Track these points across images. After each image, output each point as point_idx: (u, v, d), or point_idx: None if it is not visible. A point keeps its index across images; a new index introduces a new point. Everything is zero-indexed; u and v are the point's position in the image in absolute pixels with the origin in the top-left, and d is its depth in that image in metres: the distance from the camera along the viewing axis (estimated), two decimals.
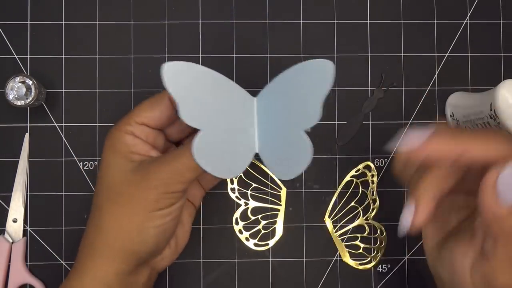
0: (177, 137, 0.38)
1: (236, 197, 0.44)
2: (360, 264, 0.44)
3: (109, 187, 0.35)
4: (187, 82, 0.32)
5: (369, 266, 0.45)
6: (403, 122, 0.45)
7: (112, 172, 0.35)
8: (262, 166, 0.44)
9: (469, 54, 0.46)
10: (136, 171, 0.34)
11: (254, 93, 0.45)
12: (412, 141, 0.29)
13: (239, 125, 0.34)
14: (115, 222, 0.34)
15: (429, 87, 0.46)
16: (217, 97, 0.33)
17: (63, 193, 0.44)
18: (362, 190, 0.45)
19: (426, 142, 0.29)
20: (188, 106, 0.32)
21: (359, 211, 0.45)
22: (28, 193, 0.44)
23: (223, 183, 0.44)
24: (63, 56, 0.45)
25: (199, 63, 0.45)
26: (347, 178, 0.45)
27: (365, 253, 0.45)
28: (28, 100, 0.41)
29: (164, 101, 0.35)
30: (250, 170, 0.44)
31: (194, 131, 0.38)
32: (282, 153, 0.33)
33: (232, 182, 0.44)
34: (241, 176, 0.44)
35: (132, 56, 0.45)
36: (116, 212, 0.34)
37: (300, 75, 0.32)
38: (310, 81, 0.31)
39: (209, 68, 0.33)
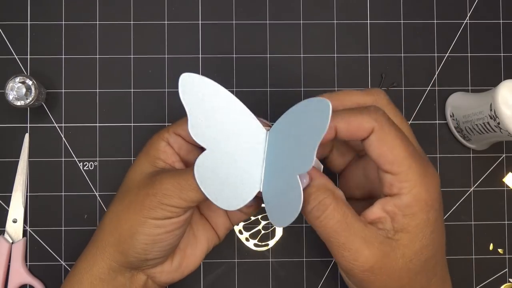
0: None
1: None
2: None
3: (125, 184, 0.35)
4: (201, 96, 0.31)
5: None
6: None
7: (134, 171, 0.35)
8: None
9: (469, 54, 0.46)
10: (151, 176, 0.34)
11: (254, 97, 0.45)
12: None
13: (247, 157, 0.32)
14: (114, 218, 0.34)
15: (429, 87, 0.46)
16: (229, 122, 0.32)
17: (63, 193, 0.44)
18: None
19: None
20: (197, 120, 0.31)
21: None
22: (28, 193, 0.44)
23: None
24: (63, 56, 0.45)
25: (199, 63, 0.45)
26: None
27: None
28: (28, 100, 0.41)
29: None
30: None
31: None
32: (278, 198, 0.31)
33: None
34: None
35: (132, 56, 0.45)
36: (118, 208, 0.34)
37: (300, 115, 0.30)
38: (308, 122, 0.29)
39: (227, 91, 0.32)
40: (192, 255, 0.37)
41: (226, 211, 0.37)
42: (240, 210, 0.33)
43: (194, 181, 0.31)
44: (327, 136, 0.29)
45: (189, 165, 0.36)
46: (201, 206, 0.38)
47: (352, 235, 0.29)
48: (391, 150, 0.29)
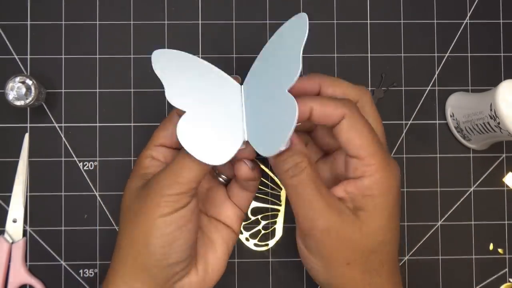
0: None
1: None
2: None
3: (123, 206, 0.36)
4: (173, 67, 0.34)
5: None
6: (403, 122, 0.45)
7: (129, 190, 0.36)
8: (262, 167, 0.44)
9: (469, 54, 0.46)
10: (144, 185, 0.35)
11: None
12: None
13: (226, 112, 0.34)
14: (126, 238, 0.34)
15: (429, 87, 0.46)
16: (202, 83, 0.35)
17: (63, 193, 0.44)
18: None
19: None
20: (173, 88, 0.34)
21: None
22: (28, 193, 0.44)
23: None
24: (63, 56, 0.45)
25: None
26: None
27: None
28: (28, 100, 0.41)
29: (175, 118, 0.35)
30: None
31: None
32: (269, 124, 0.32)
33: None
34: None
35: (132, 56, 0.45)
36: (127, 227, 0.34)
37: (278, 39, 0.34)
38: (288, 39, 0.32)
39: (196, 56, 0.35)
40: (215, 258, 0.37)
41: (230, 198, 0.38)
42: (242, 178, 0.36)
43: (184, 160, 0.33)
44: (302, 116, 0.32)
45: None
46: (206, 206, 0.38)
47: (317, 195, 0.32)
48: (359, 136, 0.32)
